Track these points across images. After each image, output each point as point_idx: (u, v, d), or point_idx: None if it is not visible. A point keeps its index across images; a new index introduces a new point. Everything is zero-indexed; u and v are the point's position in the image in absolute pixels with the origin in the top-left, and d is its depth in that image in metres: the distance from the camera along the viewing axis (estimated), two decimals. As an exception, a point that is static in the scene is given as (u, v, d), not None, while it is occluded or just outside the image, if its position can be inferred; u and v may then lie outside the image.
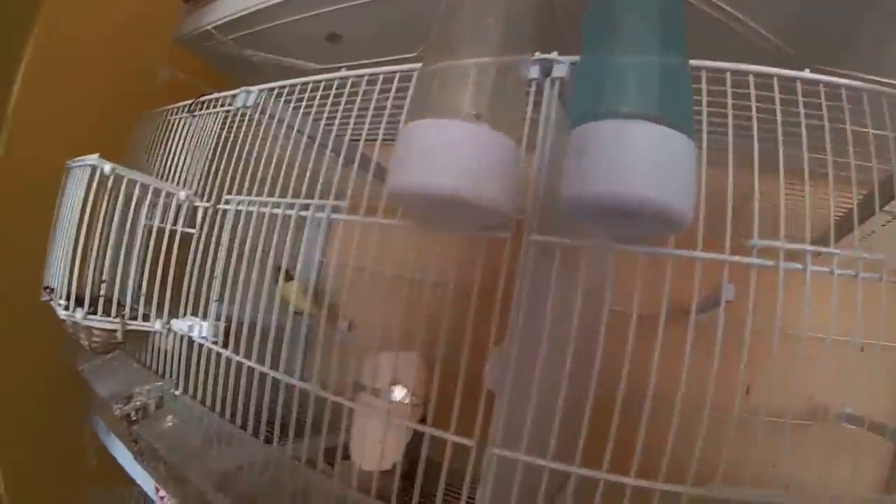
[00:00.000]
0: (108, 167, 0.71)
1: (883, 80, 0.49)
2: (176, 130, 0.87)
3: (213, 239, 0.71)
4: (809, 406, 0.89)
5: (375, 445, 0.51)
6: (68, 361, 1.02)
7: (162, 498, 0.80)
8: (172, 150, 0.85)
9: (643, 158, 0.37)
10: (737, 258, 0.45)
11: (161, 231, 0.76)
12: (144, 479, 0.83)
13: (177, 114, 0.89)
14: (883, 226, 0.67)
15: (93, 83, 1.06)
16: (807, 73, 0.49)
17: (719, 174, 0.50)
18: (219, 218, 0.72)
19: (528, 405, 0.45)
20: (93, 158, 0.71)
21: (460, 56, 0.45)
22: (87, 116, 1.03)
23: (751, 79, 0.49)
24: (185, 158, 0.83)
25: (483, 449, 0.46)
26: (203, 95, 0.84)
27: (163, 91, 1.05)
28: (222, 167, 0.75)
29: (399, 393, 0.57)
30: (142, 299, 0.76)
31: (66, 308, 0.72)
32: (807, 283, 0.45)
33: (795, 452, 0.60)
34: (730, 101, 0.49)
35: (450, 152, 0.41)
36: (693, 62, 0.48)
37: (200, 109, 0.83)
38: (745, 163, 0.50)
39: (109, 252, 0.73)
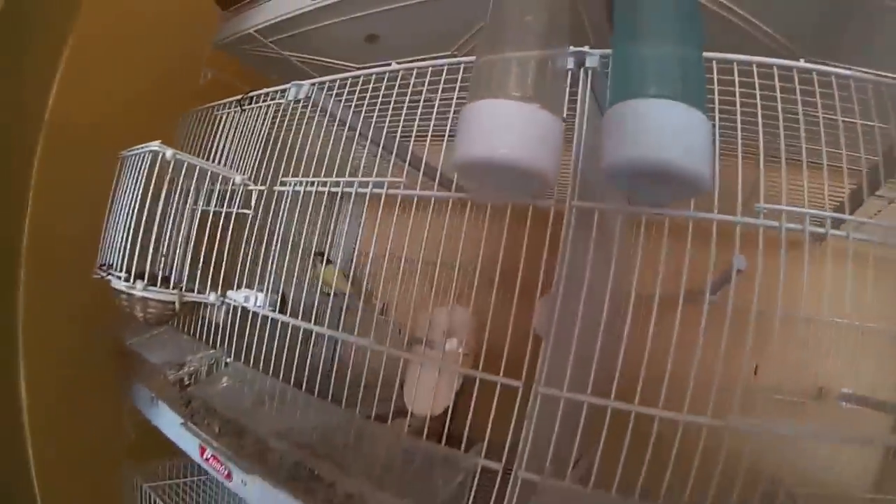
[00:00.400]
0: (169, 152, 0.79)
1: (868, 70, 0.58)
2: (224, 124, 0.95)
3: (269, 217, 0.80)
4: (814, 385, 0.97)
5: (429, 392, 0.59)
6: (104, 341, 1.10)
7: (207, 459, 0.88)
8: (221, 141, 0.94)
9: (667, 129, 0.46)
10: (746, 219, 0.53)
11: (216, 213, 0.84)
12: (189, 443, 0.90)
13: (224, 109, 0.98)
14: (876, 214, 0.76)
15: (135, 82, 1.14)
16: (801, 63, 0.58)
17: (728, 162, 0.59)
18: (273, 200, 0.81)
19: (569, 349, 0.53)
20: (155, 145, 0.80)
21: (509, 49, 0.54)
22: (130, 115, 1.12)
23: (754, 67, 0.58)
24: (235, 148, 0.91)
25: (530, 388, 0.54)
26: (250, 92, 0.93)
27: (204, 91, 1.15)
28: (275, 155, 0.84)
29: (452, 343, 0.65)
30: (198, 274, 0.84)
31: (128, 280, 0.79)
32: (805, 244, 0.54)
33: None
34: (737, 89, 0.58)
35: (507, 126, 0.50)
36: (706, 54, 0.57)
37: (250, 104, 0.91)
38: (749, 151, 0.59)
39: (169, 231, 0.81)
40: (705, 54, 0.57)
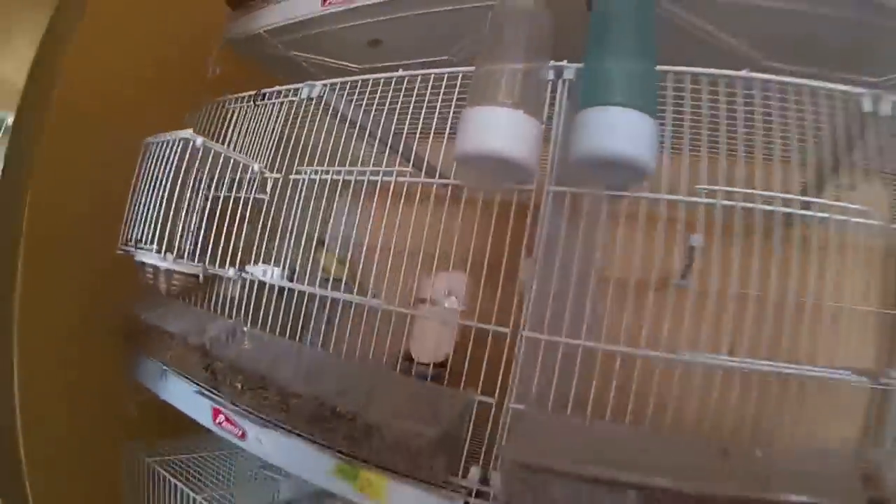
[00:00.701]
0: (199, 140, 0.91)
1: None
2: (237, 117, 1.07)
3: (285, 203, 0.92)
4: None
5: (432, 342, 0.73)
6: (106, 319, 1.18)
7: (220, 423, 0.99)
8: (235, 132, 1.05)
9: (620, 128, 0.61)
10: (692, 198, 0.69)
11: (236, 198, 0.96)
12: (201, 411, 1.01)
13: (237, 103, 1.09)
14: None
15: (142, 70, 1.23)
16: (742, 73, 0.73)
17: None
18: (288, 187, 0.93)
19: (548, 300, 0.67)
20: (186, 133, 0.91)
21: (501, 62, 0.68)
22: (137, 102, 1.21)
23: (703, 80, 0.73)
24: (248, 141, 1.03)
25: (516, 333, 0.68)
26: (263, 89, 1.05)
27: (211, 84, 1.25)
28: (289, 147, 0.96)
29: (451, 301, 0.79)
30: (218, 252, 0.95)
31: (159, 252, 0.91)
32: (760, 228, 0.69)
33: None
34: (689, 96, 0.73)
35: (497, 127, 0.64)
36: (661, 67, 0.72)
37: (263, 99, 1.03)
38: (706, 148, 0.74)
39: (196, 212, 0.93)
40: (662, 67, 0.72)
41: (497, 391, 0.69)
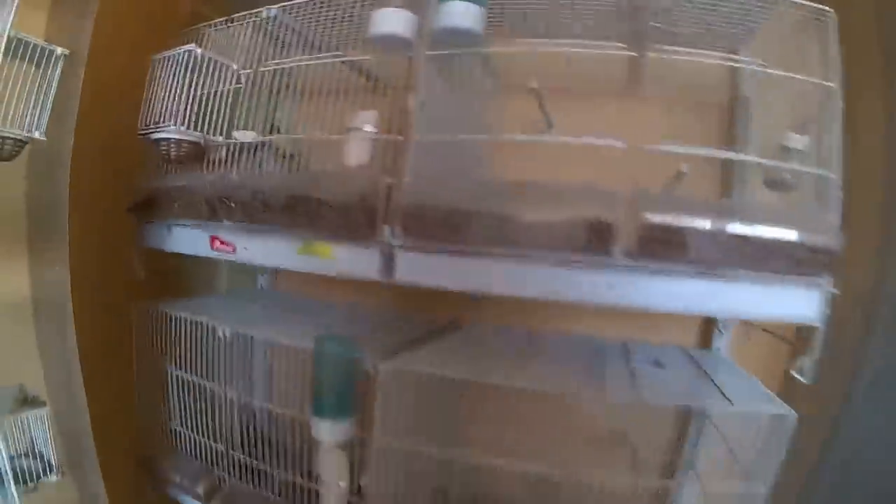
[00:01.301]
0: (199, 51, 1.37)
1: None
2: (211, 39, 1.53)
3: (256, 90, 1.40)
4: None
5: (357, 154, 1.25)
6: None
7: (216, 248, 1.46)
8: (212, 49, 1.52)
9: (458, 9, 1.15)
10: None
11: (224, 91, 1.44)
12: (200, 244, 1.47)
13: (213, 27, 1.55)
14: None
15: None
16: None
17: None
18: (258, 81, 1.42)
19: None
20: (190, 46, 1.37)
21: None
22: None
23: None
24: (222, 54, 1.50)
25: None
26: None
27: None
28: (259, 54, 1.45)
29: (369, 126, 1.29)
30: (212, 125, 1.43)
31: (174, 125, 1.37)
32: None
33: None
34: None
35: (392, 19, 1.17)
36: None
37: (233, 22, 1.50)
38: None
39: (196, 100, 1.40)
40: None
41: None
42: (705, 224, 1.02)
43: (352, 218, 1.21)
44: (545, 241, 1.09)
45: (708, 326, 1.74)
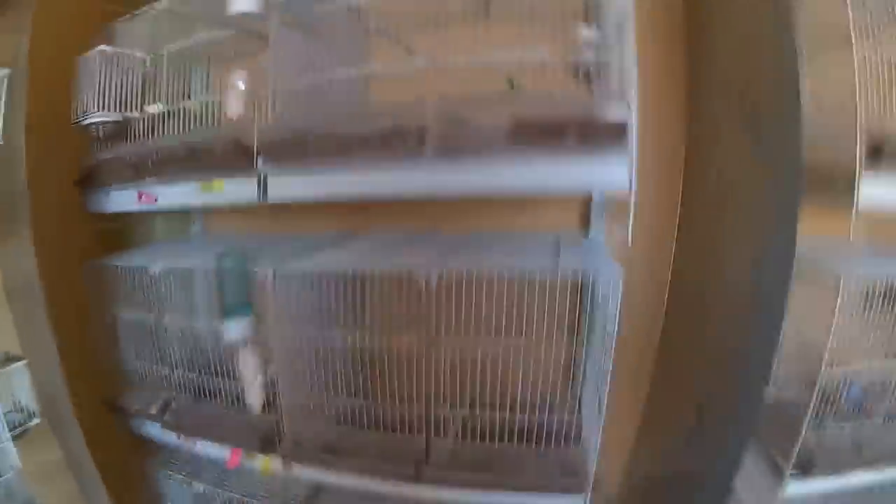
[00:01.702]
0: (109, 49, 1.74)
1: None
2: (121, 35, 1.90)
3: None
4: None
5: (234, 106, 1.60)
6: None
7: (141, 199, 1.81)
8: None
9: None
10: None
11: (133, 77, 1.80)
12: (129, 200, 1.83)
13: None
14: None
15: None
16: None
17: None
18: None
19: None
20: (102, 46, 1.73)
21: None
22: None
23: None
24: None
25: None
26: None
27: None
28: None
29: (240, 84, 1.65)
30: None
31: (98, 112, 1.73)
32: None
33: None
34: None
35: None
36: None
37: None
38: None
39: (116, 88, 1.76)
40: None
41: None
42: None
43: (232, 157, 1.56)
44: (373, 149, 1.42)
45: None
